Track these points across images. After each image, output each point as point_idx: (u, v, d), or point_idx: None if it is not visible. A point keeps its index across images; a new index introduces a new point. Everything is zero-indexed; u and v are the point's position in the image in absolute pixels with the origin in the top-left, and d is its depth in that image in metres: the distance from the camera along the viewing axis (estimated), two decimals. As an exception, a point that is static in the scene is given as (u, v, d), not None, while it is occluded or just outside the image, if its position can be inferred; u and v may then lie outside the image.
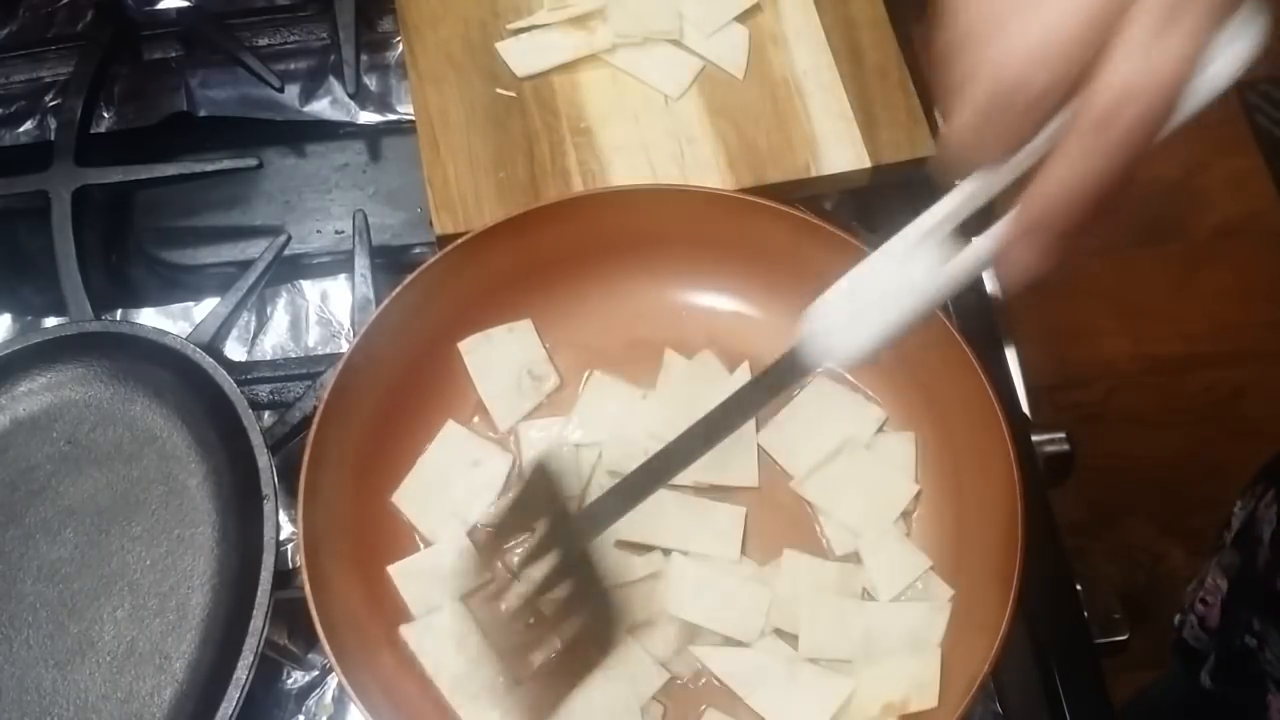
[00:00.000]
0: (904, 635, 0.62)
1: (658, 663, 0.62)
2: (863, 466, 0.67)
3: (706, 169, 0.74)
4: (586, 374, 0.70)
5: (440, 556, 0.65)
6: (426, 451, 0.68)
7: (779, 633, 0.64)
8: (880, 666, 0.62)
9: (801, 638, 0.63)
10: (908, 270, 0.43)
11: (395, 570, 0.65)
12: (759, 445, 0.68)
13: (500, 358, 0.69)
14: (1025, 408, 0.75)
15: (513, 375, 0.69)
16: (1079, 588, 0.69)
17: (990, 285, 0.79)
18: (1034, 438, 0.72)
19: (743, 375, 0.70)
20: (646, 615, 0.64)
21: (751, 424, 0.68)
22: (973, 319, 0.74)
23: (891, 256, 0.44)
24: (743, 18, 0.79)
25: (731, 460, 0.67)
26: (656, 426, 0.66)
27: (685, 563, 0.64)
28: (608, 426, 0.68)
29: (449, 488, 0.67)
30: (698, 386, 0.68)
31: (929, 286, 0.44)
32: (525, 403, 0.69)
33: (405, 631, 0.64)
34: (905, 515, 0.66)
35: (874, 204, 0.78)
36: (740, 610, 0.63)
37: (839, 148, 0.74)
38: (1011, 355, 0.77)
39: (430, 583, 0.65)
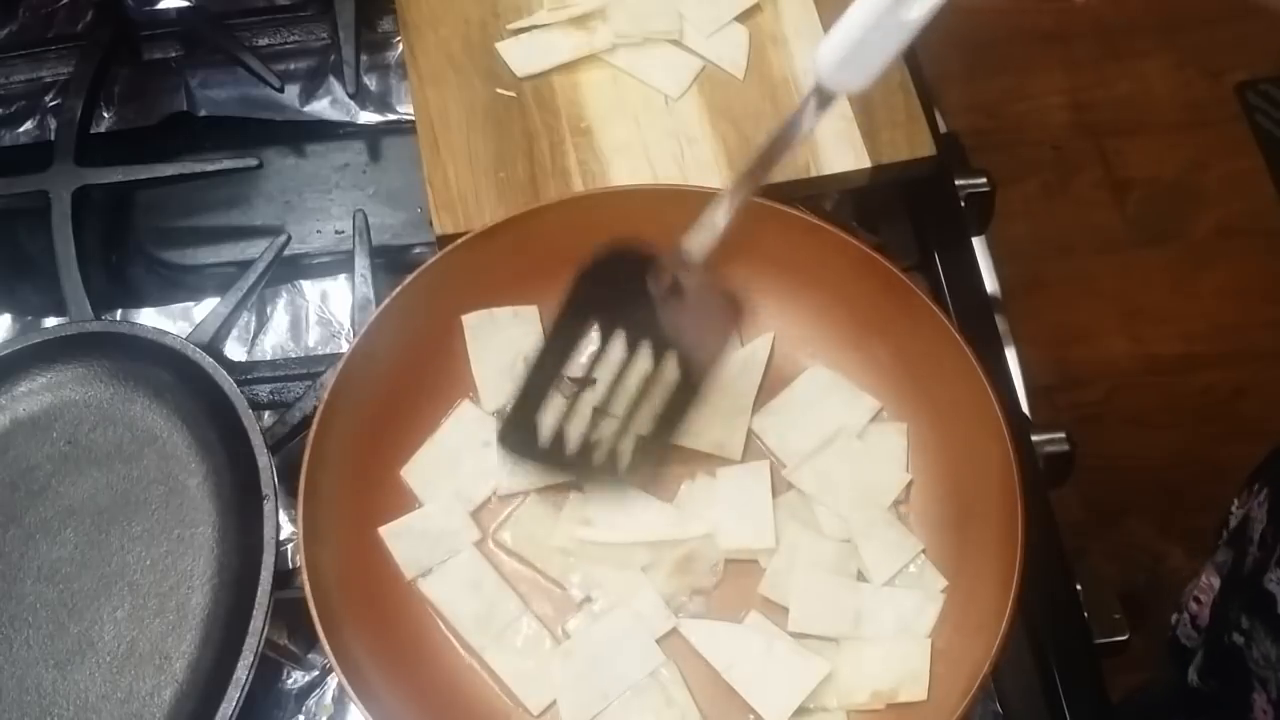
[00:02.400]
0: (895, 621, 0.63)
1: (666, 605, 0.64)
2: (855, 455, 0.67)
3: (706, 169, 0.74)
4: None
5: (430, 518, 0.66)
6: (441, 427, 0.68)
7: (768, 606, 0.64)
8: (870, 651, 0.62)
9: (792, 610, 0.63)
10: (896, 10, 0.52)
11: (386, 531, 0.65)
12: (751, 430, 0.68)
13: (500, 339, 0.69)
14: (1025, 408, 0.75)
15: (508, 359, 0.69)
16: (1079, 588, 0.69)
17: (990, 285, 0.79)
18: (1034, 438, 0.72)
19: (755, 347, 0.70)
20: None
21: (749, 404, 0.68)
22: (973, 319, 0.74)
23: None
24: (743, 18, 0.79)
25: (721, 433, 0.68)
26: None
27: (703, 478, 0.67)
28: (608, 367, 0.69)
29: (458, 466, 0.67)
30: None
31: (915, 19, 0.52)
32: (514, 388, 0.69)
33: (423, 585, 0.65)
34: (898, 505, 0.66)
35: (874, 204, 0.78)
36: (750, 517, 0.65)
37: (839, 148, 0.74)
38: (1011, 355, 0.77)
39: (421, 543, 0.65)
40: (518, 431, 0.65)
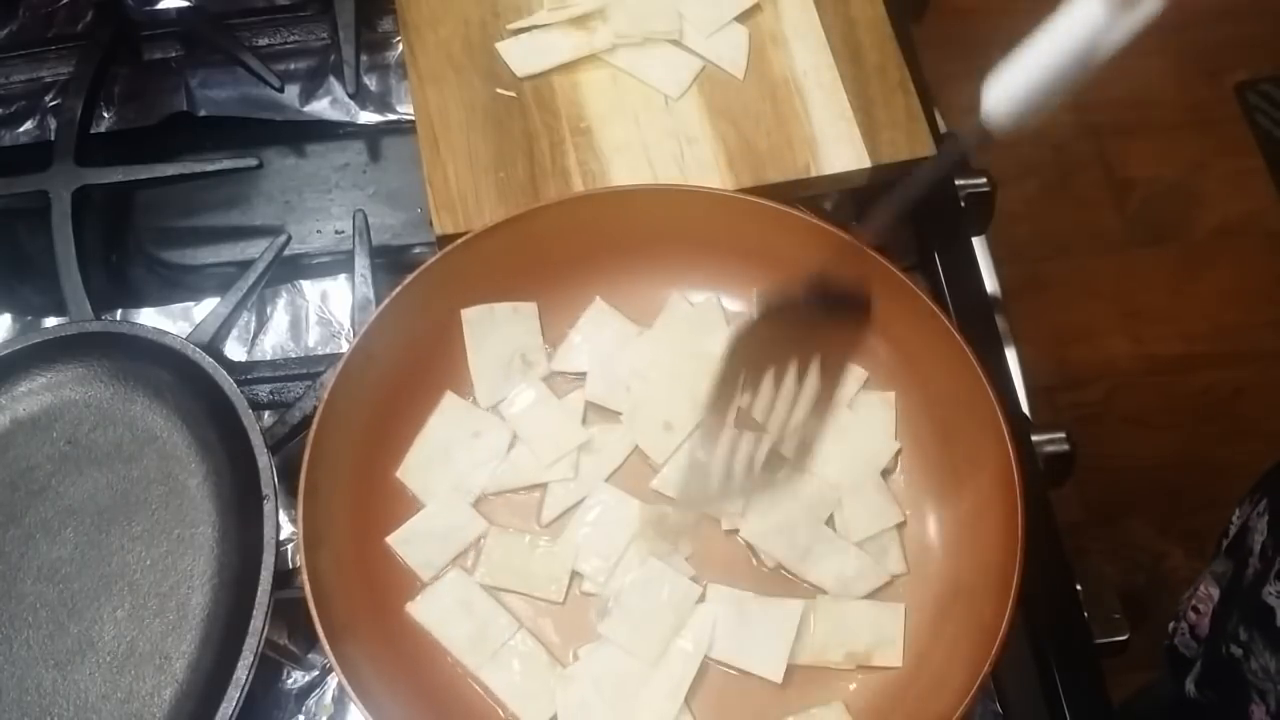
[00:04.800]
0: (835, 573, 0.64)
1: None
2: (843, 424, 0.67)
3: (706, 169, 0.74)
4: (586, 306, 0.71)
5: (435, 519, 0.66)
6: (427, 424, 0.68)
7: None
8: (845, 612, 0.63)
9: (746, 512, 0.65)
10: (1076, 43, 0.49)
11: (394, 539, 0.65)
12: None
13: (498, 335, 0.70)
14: (1025, 408, 0.75)
15: (506, 354, 0.69)
16: (1079, 588, 0.69)
17: (990, 285, 0.79)
18: (1034, 438, 0.72)
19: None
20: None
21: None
22: (973, 320, 0.74)
23: (1063, 32, 0.50)
24: (743, 18, 0.79)
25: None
26: (643, 365, 0.69)
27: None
28: (596, 358, 0.70)
29: (451, 460, 0.67)
30: (695, 333, 0.70)
31: (1093, 54, 0.50)
32: (509, 385, 0.69)
33: (411, 609, 0.64)
34: (887, 475, 0.67)
35: (874, 204, 0.78)
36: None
37: (839, 147, 0.74)
38: (1011, 355, 0.77)
39: (430, 544, 0.65)
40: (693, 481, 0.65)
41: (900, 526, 0.66)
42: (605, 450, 0.68)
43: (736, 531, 0.66)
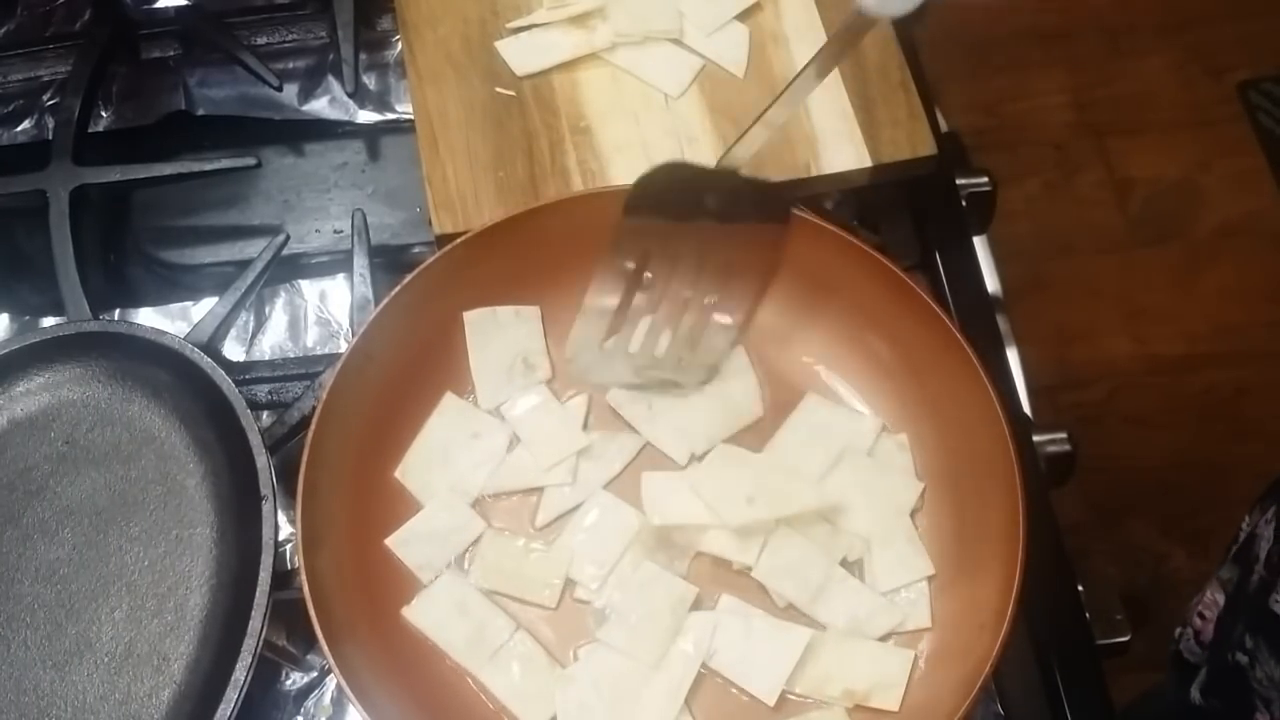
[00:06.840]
0: (847, 613, 0.63)
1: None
2: (866, 472, 0.66)
3: (707, 168, 0.74)
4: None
5: (433, 519, 0.66)
6: (427, 424, 0.68)
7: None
8: (852, 650, 0.62)
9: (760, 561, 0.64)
10: None
11: (393, 541, 0.65)
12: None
13: (500, 338, 0.69)
14: (1027, 408, 0.75)
15: (508, 358, 0.69)
16: (1080, 588, 0.68)
17: (991, 285, 0.79)
18: (1035, 438, 0.71)
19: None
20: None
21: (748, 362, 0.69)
22: (974, 319, 0.74)
23: None
24: (743, 16, 0.79)
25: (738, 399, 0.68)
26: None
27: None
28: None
29: (450, 461, 0.67)
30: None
31: None
32: (512, 388, 0.69)
33: (407, 613, 0.64)
34: (914, 514, 0.66)
35: (875, 203, 0.78)
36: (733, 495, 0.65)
37: (839, 147, 0.74)
38: (1013, 355, 0.77)
39: (429, 545, 0.65)
40: (588, 353, 0.67)
41: (930, 579, 0.64)
42: (606, 457, 0.68)
43: (749, 570, 0.64)
